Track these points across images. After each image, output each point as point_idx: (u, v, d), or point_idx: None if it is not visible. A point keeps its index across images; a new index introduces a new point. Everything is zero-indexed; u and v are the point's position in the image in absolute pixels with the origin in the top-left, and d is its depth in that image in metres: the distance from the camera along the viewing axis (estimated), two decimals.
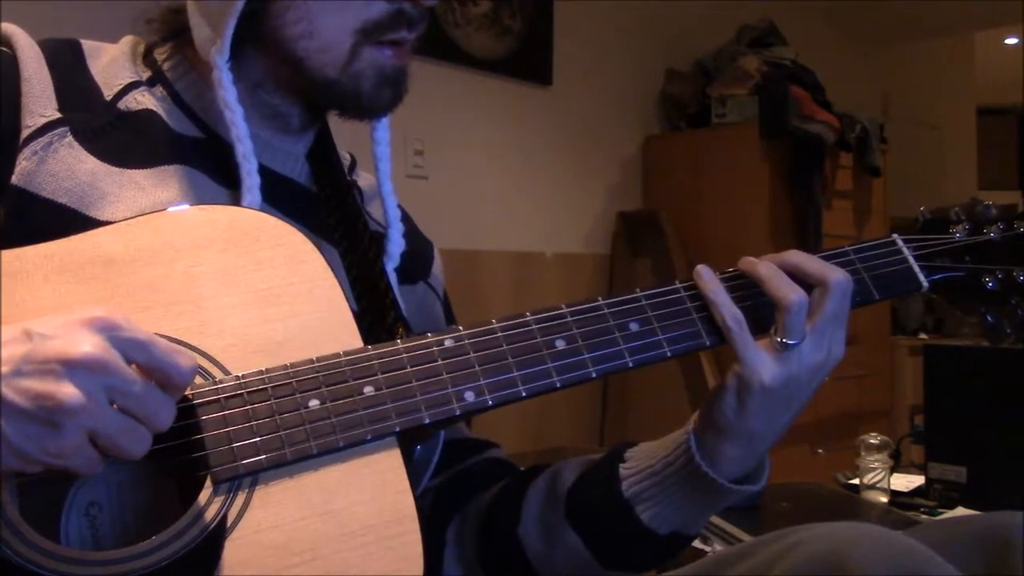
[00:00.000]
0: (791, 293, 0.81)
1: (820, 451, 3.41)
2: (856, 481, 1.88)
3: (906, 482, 1.92)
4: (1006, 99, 6.73)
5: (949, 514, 1.67)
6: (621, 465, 0.87)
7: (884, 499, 1.82)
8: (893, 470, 1.89)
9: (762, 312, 0.83)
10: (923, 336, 4.48)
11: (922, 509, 1.74)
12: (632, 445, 0.89)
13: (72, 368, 0.59)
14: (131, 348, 0.62)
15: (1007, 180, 6.67)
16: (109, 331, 0.61)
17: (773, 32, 3.77)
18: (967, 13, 4.89)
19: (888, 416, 3.95)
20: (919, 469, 1.96)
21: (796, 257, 0.84)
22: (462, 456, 1.01)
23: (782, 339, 0.80)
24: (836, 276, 0.82)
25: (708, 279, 0.84)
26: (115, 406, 0.61)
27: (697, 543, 1.54)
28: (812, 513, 1.70)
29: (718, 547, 1.52)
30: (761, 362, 0.80)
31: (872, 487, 1.83)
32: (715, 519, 1.57)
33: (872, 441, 1.86)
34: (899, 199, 3.96)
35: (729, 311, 0.82)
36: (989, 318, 0.94)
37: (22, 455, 0.60)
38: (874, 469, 1.84)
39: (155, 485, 0.72)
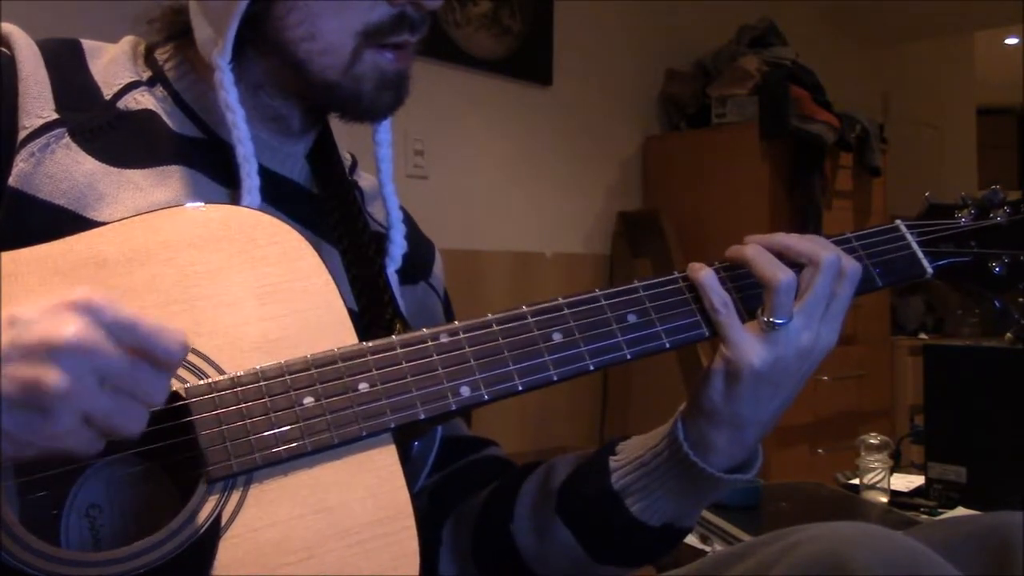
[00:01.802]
0: (778, 272, 0.80)
1: (820, 451, 3.42)
2: (856, 481, 1.88)
3: (906, 482, 1.91)
4: (1006, 99, 6.73)
5: (949, 514, 1.66)
6: (611, 458, 0.87)
7: (884, 499, 1.81)
8: (893, 470, 1.88)
9: (756, 302, 0.83)
10: (923, 336, 4.48)
11: (922, 509, 1.74)
12: (625, 439, 0.89)
13: (57, 352, 0.58)
14: (116, 328, 0.61)
15: (1007, 180, 6.66)
16: (93, 313, 0.60)
17: (773, 32, 3.77)
18: (967, 13, 4.89)
19: (888, 416, 3.94)
20: (919, 469, 1.95)
21: (784, 238, 0.84)
22: (459, 454, 1.00)
23: (769, 318, 0.80)
24: (826, 254, 0.82)
25: (698, 266, 0.84)
26: (107, 386, 0.61)
27: (697, 543, 1.54)
28: (812, 513, 1.70)
29: (718, 547, 1.51)
30: (749, 344, 0.80)
31: (872, 487, 1.83)
32: (715, 519, 1.57)
33: (872, 441, 1.85)
34: (899, 199, 3.96)
35: (717, 294, 0.82)
36: (996, 304, 0.92)
37: (16, 441, 0.59)
38: (874, 469, 1.83)
39: (154, 485, 0.72)
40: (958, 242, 0.92)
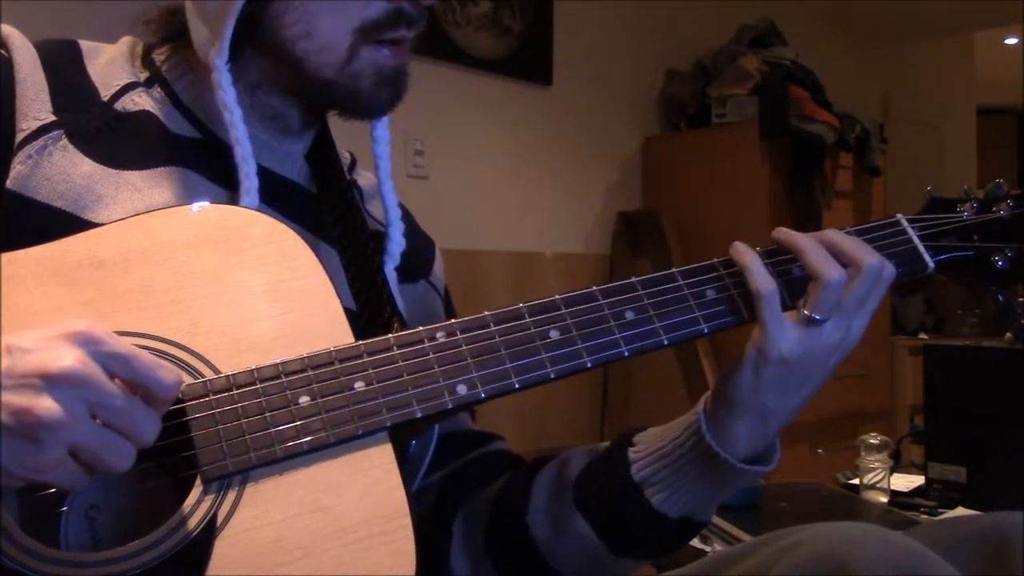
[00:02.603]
0: (832, 270, 0.80)
1: (820, 451, 3.41)
2: (856, 481, 1.88)
3: (906, 482, 1.91)
4: (1006, 99, 6.72)
5: (949, 514, 1.66)
6: (630, 449, 0.86)
7: (884, 499, 1.81)
8: (893, 470, 1.88)
9: (787, 290, 0.82)
10: (923, 336, 4.48)
11: (922, 509, 1.74)
12: (640, 430, 0.89)
13: (52, 383, 0.59)
14: (113, 362, 0.62)
15: (1007, 180, 6.66)
16: (90, 345, 0.61)
17: (773, 32, 3.77)
18: (967, 13, 4.89)
19: (888, 416, 3.94)
20: (919, 469, 1.95)
21: (834, 236, 0.83)
22: (466, 449, 1.00)
23: (811, 313, 0.79)
24: (869, 260, 0.81)
25: (744, 250, 0.83)
26: (98, 420, 0.61)
27: (697, 543, 1.53)
28: (812, 513, 1.70)
29: (718, 547, 1.51)
30: (783, 332, 0.79)
31: (872, 487, 1.83)
32: (715, 519, 1.57)
33: (872, 441, 1.85)
34: (899, 199, 3.96)
35: (765, 279, 0.80)
36: (1000, 298, 0.91)
37: (3, 470, 0.59)
38: (874, 469, 1.83)
39: (152, 485, 0.72)
40: (960, 236, 0.90)
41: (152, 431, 0.64)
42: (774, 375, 0.80)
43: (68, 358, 0.59)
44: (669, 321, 0.81)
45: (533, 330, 0.79)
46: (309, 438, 0.71)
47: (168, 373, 0.64)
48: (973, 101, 6.14)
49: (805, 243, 0.82)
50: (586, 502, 0.87)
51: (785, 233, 0.84)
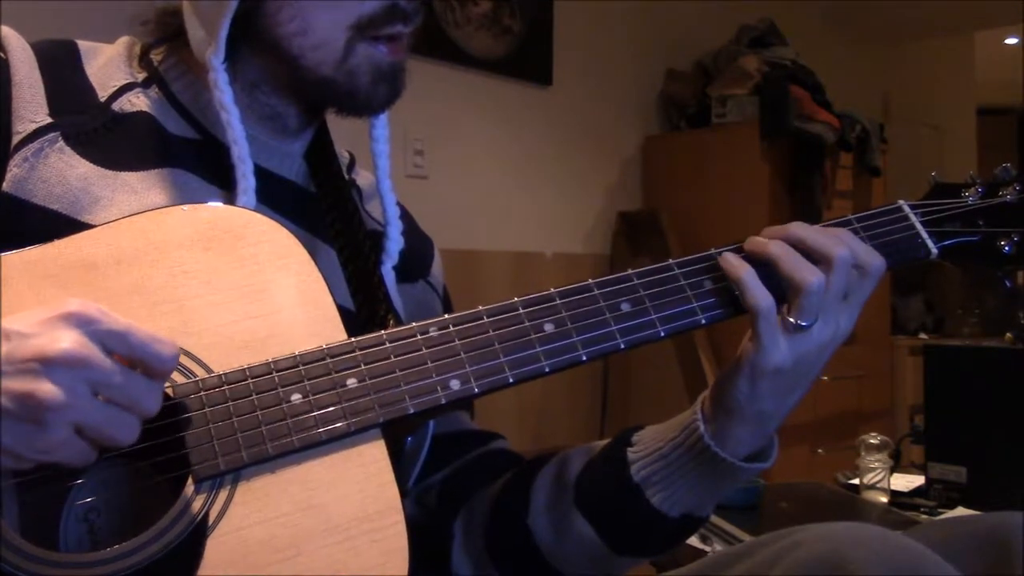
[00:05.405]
0: (810, 275, 0.78)
1: (820, 451, 3.41)
2: (856, 481, 1.88)
3: (906, 482, 1.91)
4: (1006, 99, 6.72)
5: (949, 514, 1.66)
6: (629, 449, 0.86)
7: (884, 499, 1.81)
8: (893, 470, 1.88)
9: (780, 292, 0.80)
10: (923, 336, 4.47)
11: (922, 509, 1.74)
12: (638, 429, 0.88)
13: (51, 365, 0.60)
14: (109, 339, 0.62)
15: None
16: (86, 325, 0.62)
17: (773, 32, 3.77)
18: (967, 13, 4.88)
19: (888, 416, 3.94)
20: (919, 469, 1.95)
21: (798, 231, 0.81)
22: (466, 449, 1.00)
23: (796, 320, 0.78)
24: (839, 252, 0.79)
25: (736, 263, 0.81)
26: (100, 397, 0.62)
27: (697, 543, 1.53)
28: (812, 513, 1.70)
29: (718, 547, 1.51)
30: (777, 345, 0.79)
31: (872, 487, 1.83)
32: (715, 519, 1.57)
33: (872, 441, 1.85)
34: (899, 198, 3.95)
35: (763, 296, 0.79)
36: (1007, 283, 0.89)
37: (12, 454, 0.61)
38: (874, 469, 1.83)
39: (147, 485, 0.72)
40: (965, 221, 0.88)
41: (155, 403, 0.64)
42: (769, 383, 0.80)
43: (66, 340, 0.60)
44: (666, 312, 0.81)
45: (527, 323, 0.78)
46: (300, 435, 0.70)
47: (165, 346, 0.65)
48: (973, 101, 6.14)
49: (777, 251, 0.80)
50: (587, 503, 0.87)
51: (756, 244, 0.82)
